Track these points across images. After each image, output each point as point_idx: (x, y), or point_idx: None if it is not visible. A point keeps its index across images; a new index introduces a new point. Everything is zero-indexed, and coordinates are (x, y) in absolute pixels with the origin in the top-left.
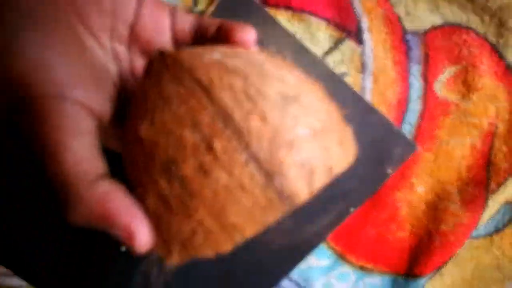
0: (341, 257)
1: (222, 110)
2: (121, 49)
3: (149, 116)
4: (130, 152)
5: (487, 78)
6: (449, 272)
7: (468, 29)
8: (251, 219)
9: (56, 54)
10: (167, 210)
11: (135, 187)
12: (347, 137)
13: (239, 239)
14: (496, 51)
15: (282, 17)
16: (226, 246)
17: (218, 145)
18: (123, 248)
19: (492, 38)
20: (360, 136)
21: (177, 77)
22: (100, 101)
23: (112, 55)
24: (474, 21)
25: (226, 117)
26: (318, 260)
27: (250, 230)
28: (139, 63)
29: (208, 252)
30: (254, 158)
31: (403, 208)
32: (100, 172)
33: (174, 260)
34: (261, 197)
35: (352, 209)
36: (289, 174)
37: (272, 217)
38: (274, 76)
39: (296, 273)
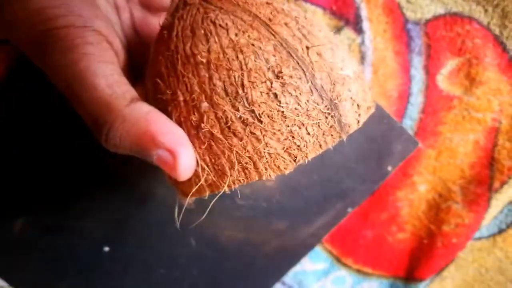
0: (338, 260)
1: (284, 42)
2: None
3: (203, 43)
4: (175, 82)
5: (491, 71)
6: (451, 275)
7: (470, 19)
8: (314, 143)
9: None
10: (228, 134)
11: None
12: (368, 85)
13: (301, 161)
14: (500, 43)
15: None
16: (289, 167)
17: (286, 72)
18: (106, 248)
19: (495, 29)
20: (358, 131)
21: (229, 10)
22: (116, 39)
23: (113, 4)
24: (476, 11)
25: (289, 49)
26: (313, 263)
27: (312, 153)
28: (139, 15)
29: (270, 174)
30: (318, 88)
31: (404, 208)
32: (136, 95)
33: (226, 186)
34: (323, 123)
35: (350, 209)
36: (345, 105)
37: (331, 142)
38: (316, 22)
39: (289, 276)
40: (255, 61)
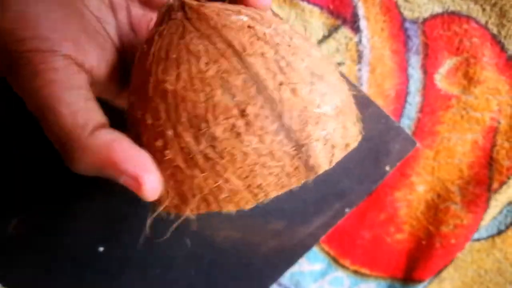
0: (335, 261)
1: (255, 76)
2: None
3: (173, 68)
4: (145, 104)
5: (489, 71)
6: (449, 277)
7: (468, 18)
8: (276, 183)
9: (45, 7)
10: (190, 164)
11: (155, 139)
12: (357, 117)
13: (262, 199)
14: (498, 42)
15: (273, 2)
16: (249, 204)
17: (251, 110)
18: (101, 248)
19: (493, 28)
20: None
21: (205, 34)
22: (92, 57)
23: (108, 3)
24: (474, 10)
25: (259, 84)
26: (310, 264)
27: (274, 192)
28: (137, 13)
29: (229, 207)
30: (285, 128)
31: (402, 208)
32: (101, 122)
33: (189, 211)
34: (288, 165)
35: (347, 210)
36: (314, 146)
37: (296, 183)
38: (302, 50)
39: (286, 277)
40: (221, 95)
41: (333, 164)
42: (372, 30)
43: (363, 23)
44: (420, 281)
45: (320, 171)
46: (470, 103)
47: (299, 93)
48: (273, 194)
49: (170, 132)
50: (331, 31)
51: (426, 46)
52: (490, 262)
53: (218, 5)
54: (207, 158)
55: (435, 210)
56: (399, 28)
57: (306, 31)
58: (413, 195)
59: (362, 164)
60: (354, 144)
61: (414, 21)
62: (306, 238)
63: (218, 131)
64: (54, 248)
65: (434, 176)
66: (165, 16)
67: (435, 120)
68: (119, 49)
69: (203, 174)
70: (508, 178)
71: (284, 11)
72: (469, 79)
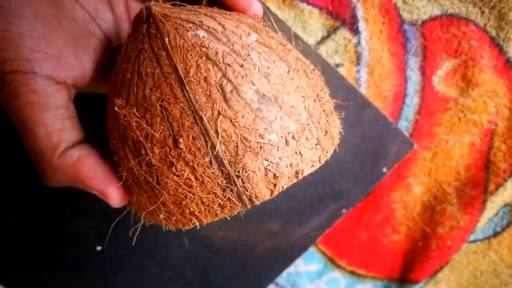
0: (331, 261)
1: (192, 105)
2: None
3: (124, 91)
4: (108, 122)
5: (487, 73)
6: (445, 278)
7: (467, 20)
8: (209, 212)
9: (29, 25)
10: (136, 184)
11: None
12: (330, 131)
13: (197, 224)
14: (496, 45)
15: (272, 4)
16: (186, 226)
17: (183, 143)
18: (98, 248)
19: (492, 31)
20: (354, 132)
21: (156, 55)
22: (76, 69)
23: (106, 0)
24: (473, 12)
25: (195, 114)
26: (307, 265)
27: (207, 220)
28: (136, 6)
29: (170, 226)
30: (218, 161)
31: (398, 209)
32: (74, 141)
33: (155, 220)
34: (220, 196)
35: (344, 211)
36: (251, 178)
37: (230, 212)
38: (258, 69)
39: (283, 278)
40: (159, 124)
41: (276, 193)
42: (371, 32)
43: (362, 25)
44: (416, 282)
45: (258, 202)
46: (468, 106)
47: (239, 123)
48: (207, 221)
49: (121, 153)
50: (330, 32)
51: (424, 48)
52: (486, 263)
53: (183, 14)
54: (147, 181)
55: (432, 212)
56: (398, 30)
57: (305, 32)
58: (409, 196)
59: (359, 165)
60: (310, 170)
61: (413, 23)
62: (303, 239)
63: (154, 159)
64: (51, 247)
65: (431, 178)
66: (134, 26)
67: (433, 122)
68: (116, 46)
69: (146, 194)
70: (505, 180)
71: (283, 12)
72: (467, 82)
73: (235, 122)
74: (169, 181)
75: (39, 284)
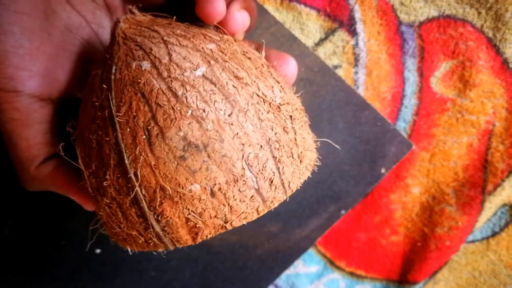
0: (331, 263)
1: (119, 145)
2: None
3: (81, 113)
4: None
5: (484, 74)
6: (444, 278)
7: (464, 21)
8: (137, 244)
9: (15, 41)
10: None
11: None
12: (282, 179)
13: (134, 250)
14: (493, 46)
15: (270, 5)
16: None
17: (109, 180)
18: (97, 250)
19: (488, 32)
20: (352, 133)
21: (102, 83)
22: (65, 78)
23: (103, 5)
24: (470, 13)
25: (120, 155)
26: (306, 266)
27: (138, 249)
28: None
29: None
30: (137, 204)
31: (397, 210)
32: (52, 153)
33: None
34: (144, 234)
35: (343, 212)
36: (171, 224)
37: (155, 249)
38: (191, 112)
39: (282, 279)
40: (95, 155)
41: (201, 240)
42: (368, 33)
43: (359, 26)
44: (415, 282)
45: (180, 245)
46: (466, 106)
47: (160, 170)
48: (138, 250)
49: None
50: (328, 34)
51: (422, 49)
52: (485, 264)
53: (141, 36)
54: (95, 199)
55: (430, 212)
56: (395, 31)
57: (303, 34)
58: (408, 197)
59: (357, 166)
60: (241, 222)
61: (410, 25)
62: (302, 241)
63: (91, 187)
64: (50, 251)
65: (429, 178)
66: (110, 42)
67: (431, 123)
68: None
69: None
70: (503, 181)
71: (281, 14)
72: (464, 82)
73: (155, 168)
74: (102, 209)
75: (36, 285)
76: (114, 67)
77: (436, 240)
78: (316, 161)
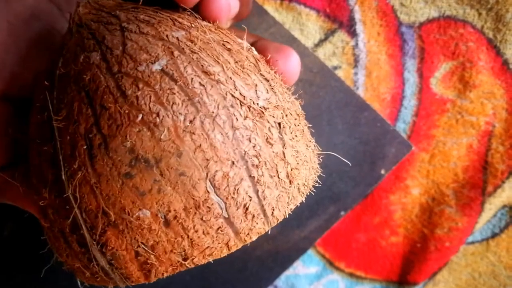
0: (330, 263)
1: (55, 158)
2: None
3: (29, 125)
4: None
5: (484, 75)
6: (444, 280)
7: (464, 22)
8: (85, 276)
9: None
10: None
11: None
12: (263, 205)
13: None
14: (493, 47)
15: (270, 6)
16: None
17: (47, 199)
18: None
19: (489, 33)
20: (351, 134)
21: (47, 78)
22: (23, 72)
23: None
24: (470, 14)
25: (57, 169)
26: (306, 267)
27: (85, 281)
28: None
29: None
30: (77, 230)
31: (397, 211)
32: (2, 163)
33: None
34: (88, 266)
35: (342, 213)
36: (118, 257)
37: (105, 284)
38: (142, 116)
39: (281, 280)
40: (36, 165)
41: (155, 279)
42: (368, 34)
43: (359, 27)
44: (414, 283)
45: (135, 284)
46: (466, 107)
47: (102, 190)
48: (89, 283)
49: None
50: (328, 35)
51: (422, 50)
52: (484, 265)
53: (97, 23)
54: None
55: (430, 213)
56: (395, 32)
57: (302, 34)
58: (408, 198)
59: (357, 168)
60: (205, 259)
61: (410, 25)
62: (301, 241)
63: (34, 206)
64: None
65: (429, 180)
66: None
67: (431, 124)
68: None
69: None
70: (503, 182)
71: (281, 14)
72: (464, 83)
73: (96, 188)
74: (45, 232)
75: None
76: (61, 60)
77: (436, 241)
78: (315, 182)
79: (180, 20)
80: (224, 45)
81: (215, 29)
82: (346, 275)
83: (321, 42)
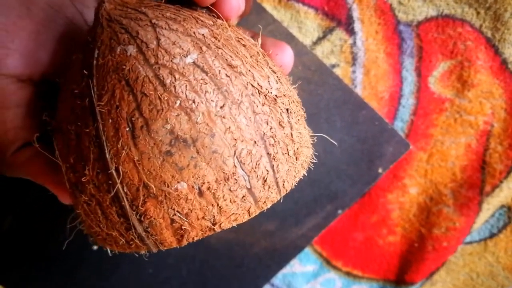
0: (327, 262)
1: (98, 138)
2: None
3: (58, 108)
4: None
5: (483, 74)
6: (441, 280)
7: (463, 21)
8: (117, 244)
9: None
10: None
11: None
12: (276, 178)
13: (114, 251)
14: (492, 46)
15: (268, 4)
16: (108, 247)
17: (89, 175)
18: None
19: (487, 32)
20: (349, 132)
21: (82, 68)
22: (48, 58)
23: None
24: (469, 13)
25: (100, 148)
26: (303, 265)
27: (118, 250)
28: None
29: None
30: (118, 202)
31: (394, 210)
32: (29, 139)
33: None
34: (125, 235)
35: (340, 211)
36: (155, 225)
37: (137, 250)
38: (180, 102)
39: (278, 278)
40: (74, 147)
41: (186, 243)
42: (366, 33)
43: (357, 26)
44: (412, 283)
45: (164, 247)
46: (464, 107)
47: (144, 166)
48: (118, 250)
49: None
50: (326, 33)
51: (420, 49)
52: (482, 265)
53: (127, 18)
54: (73, 195)
55: (428, 213)
56: (393, 30)
57: (300, 32)
58: (405, 197)
59: (355, 166)
60: (230, 224)
61: (408, 24)
62: (298, 239)
63: (69, 182)
64: (48, 246)
65: (427, 179)
66: (93, 23)
67: (429, 123)
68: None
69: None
70: (501, 182)
71: (279, 12)
72: (463, 82)
73: (139, 164)
74: (80, 206)
75: (35, 283)
76: (96, 52)
77: (433, 240)
78: (312, 158)
79: (201, 18)
80: (240, 41)
81: (229, 26)
82: (343, 274)
83: (319, 40)
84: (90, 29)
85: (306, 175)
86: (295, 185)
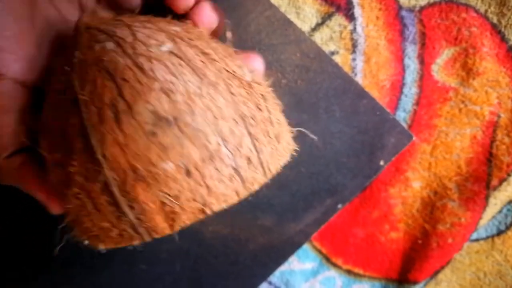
0: (327, 259)
1: (83, 128)
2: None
3: (43, 111)
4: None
5: (488, 62)
6: (446, 279)
7: (467, 6)
8: (110, 238)
9: (2, 17)
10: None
11: None
12: (260, 158)
13: (99, 247)
14: (498, 32)
15: None
16: (96, 246)
17: (76, 166)
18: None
19: (493, 17)
20: (349, 123)
21: (64, 69)
22: (42, 66)
23: (77, 6)
24: None
25: (86, 137)
26: (301, 263)
27: (110, 246)
28: (105, 15)
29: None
30: (107, 189)
31: (397, 205)
32: (21, 146)
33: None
34: (117, 225)
35: (340, 206)
36: (146, 210)
37: (131, 242)
38: (159, 85)
39: (276, 276)
40: (59, 142)
41: (178, 228)
42: (367, 18)
43: (357, 11)
44: (415, 282)
45: (157, 234)
46: (469, 96)
47: (130, 148)
48: (108, 247)
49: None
50: (325, 19)
51: (423, 35)
52: (490, 264)
53: (104, 25)
54: (61, 194)
55: (432, 208)
56: (395, 16)
57: (299, 18)
58: (408, 191)
59: (355, 158)
60: (221, 206)
61: (410, 9)
62: (297, 235)
63: (55, 179)
64: (40, 242)
65: (430, 172)
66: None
67: (432, 113)
68: None
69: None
70: (508, 175)
71: None
72: (467, 71)
73: (125, 147)
74: (70, 202)
75: (27, 279)
76: (76, 52)
77: (438, 237)
78: (295, 146)
79: (174, 21)
80: (212, 39)
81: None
82: (344, 272)
83: (318, 26)
84: (70, 38)
85: (304, 168)
86: (279, 169)
